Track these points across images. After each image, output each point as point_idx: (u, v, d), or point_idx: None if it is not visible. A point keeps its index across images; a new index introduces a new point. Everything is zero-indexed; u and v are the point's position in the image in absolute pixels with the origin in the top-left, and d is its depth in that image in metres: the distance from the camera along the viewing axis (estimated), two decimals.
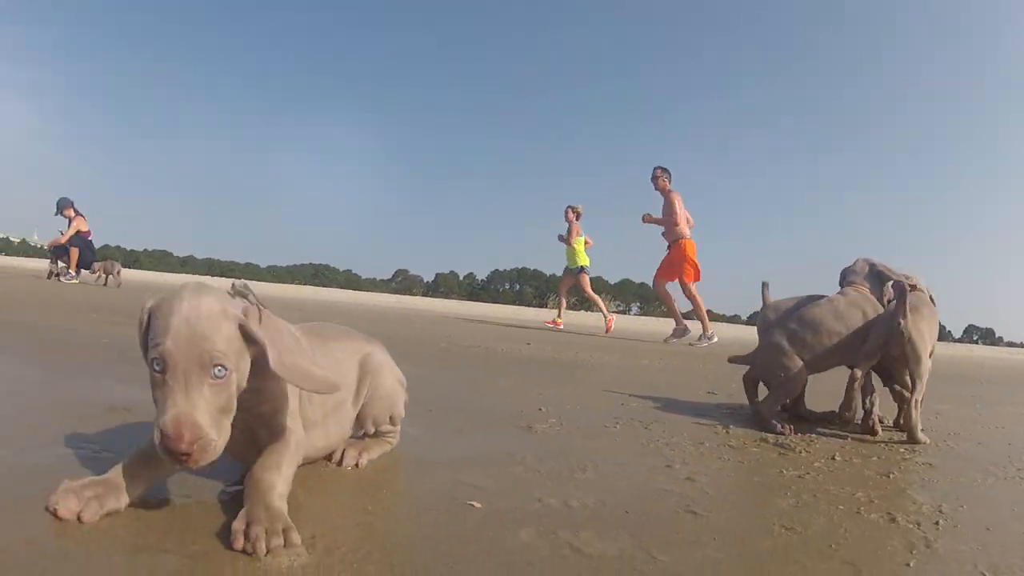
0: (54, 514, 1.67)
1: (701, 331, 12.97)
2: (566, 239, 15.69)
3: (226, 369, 1.68)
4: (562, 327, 15.55)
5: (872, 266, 4.42)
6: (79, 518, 1.68)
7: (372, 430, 2.68)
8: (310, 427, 2.22)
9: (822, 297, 4.36)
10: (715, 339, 12.89)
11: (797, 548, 2.06)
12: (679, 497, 2.50)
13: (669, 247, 13.02)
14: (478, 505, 2.15)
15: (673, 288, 13.12)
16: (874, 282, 4.38)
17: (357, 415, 2.59)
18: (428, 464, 2.67)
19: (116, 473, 1.81)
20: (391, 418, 2.72)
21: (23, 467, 2.10)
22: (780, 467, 3.16)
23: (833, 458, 3.42)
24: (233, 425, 1.83)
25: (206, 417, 1.64)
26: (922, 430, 3.95)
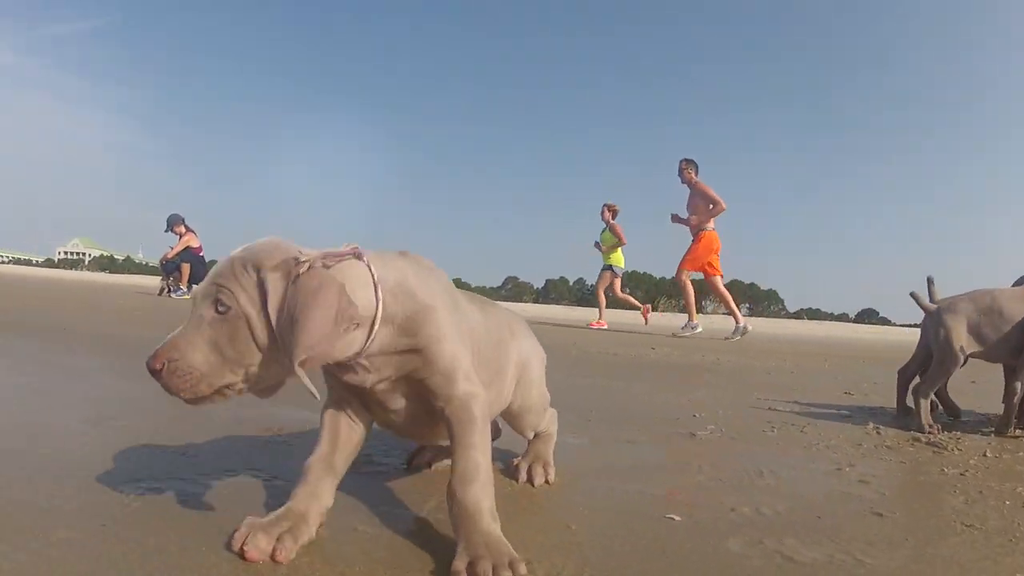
0: (241, 556, 1.61)
1: (688, 319, 13.44)
2: (618, 239, 15.65)
3: (226, 305, 1.59)
4: (606, 327, 15.47)
5: None
6: (273, 558, 1.61)
7: (534, 429, 2.60)
8: None
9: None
10: (699, 329, 13.26)
11: (981, 544, 2.08)
12: (859, 500, 2.52)
13: (695, 239, 13.03)
14: (678, 518, 2.17)
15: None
16: None
17: (510, 408, 2.45)
18: (609, 475, 2.68)
19: (300, 500, 1.78)
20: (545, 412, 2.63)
21: (192, 500, 2.04)
22: (940, 466, 3.15)
23: (985, 455, 3.41)
24: (406, 398, 1.88)
25: (192, 346, 1.59)
26: None
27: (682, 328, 13.24)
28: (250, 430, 3.12)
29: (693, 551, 1.90)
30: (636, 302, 16.24)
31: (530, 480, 2.49)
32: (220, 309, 1.60)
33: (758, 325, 25.41)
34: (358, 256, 1.74)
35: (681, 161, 13.11)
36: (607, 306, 16.71)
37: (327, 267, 1.64)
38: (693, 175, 13.02)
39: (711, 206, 12.84)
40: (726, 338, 12.86)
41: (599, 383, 5.72)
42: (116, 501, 1.98)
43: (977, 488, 2.75)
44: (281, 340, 1.57)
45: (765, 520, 2.20)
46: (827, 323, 47.00)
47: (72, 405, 3.46)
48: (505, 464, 2.64)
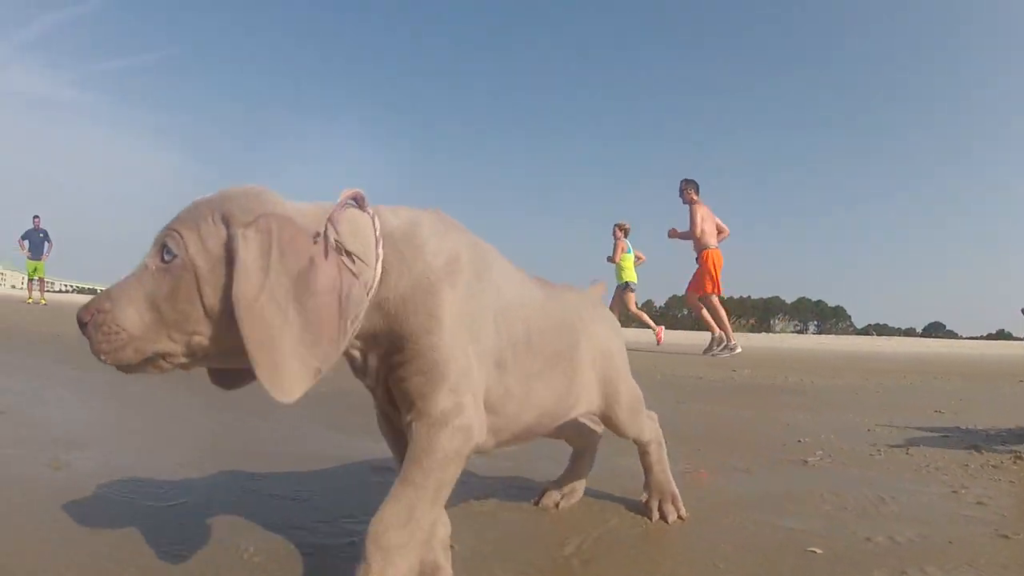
0: None
1: (723, 339, 13.14)
2: (612, 257, 15.73)
3: (173, 253, 1.31)
4: (662, 334, 15.46)
5: None
6: None
7: (635, 434, 2.39)
8: (505, 401, 1.71)
9: None
10: (738, 349, 13.03)
11: None
12: (983, 522, 2.52)
13: (697, 259, 13.09)
14: (819, 551, 2.17)
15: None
16: None
17: (602, 409, 2.22)
18: (738, 507, 2.67)
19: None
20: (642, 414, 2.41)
21: (316, 553, 1.91)
22: None
23: None
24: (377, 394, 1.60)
25: (128, 299, 1.32)
26: None
27: (720, 349, 13.11)
28: (355, 465, 3.10)
29: None
30: (650, 321, 16.17)
31: (663, 518, 2.41)
32: (166, 258, 1.32)
33: (827, 343, 25.23)
34: (360, 204, 1.49)
35: (682, 181, 13.23)
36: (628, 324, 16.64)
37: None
38: (693, 195, 13.13)
39: (690, 231, 13.08)
40: (712, 354, 12.89)
41: (694, 408, 5.74)
42: (234, 556, 1.87)
43: None
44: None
45: (901, 549, 2.22)
46: (895, 338, 46.41)
47: (164, 445, 3.44)
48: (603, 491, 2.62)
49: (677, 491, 2.49)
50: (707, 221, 13.00)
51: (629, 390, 2.29)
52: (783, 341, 19.32)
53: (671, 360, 11.59)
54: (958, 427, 4.81)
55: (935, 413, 5.59)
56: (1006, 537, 2.35)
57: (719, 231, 13.18)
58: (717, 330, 13.07)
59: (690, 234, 13.01)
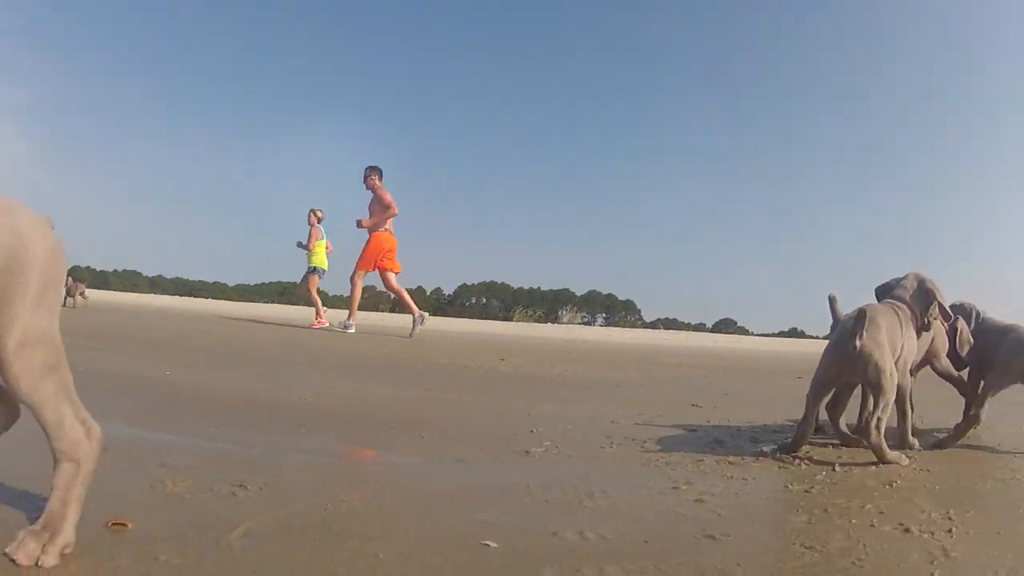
0: None
1: (346, 317, 13.57)
2: (305, 244, 15.90)
3: None
4: (327, 325, 15.53)
5: (922, 283, 4.09)
6: None
7: (38, 404, 1.73)
8: None
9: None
10: (352, 330, 13.33)
11: (822, 567, 2.01)
12: (694, 521, 2.42)
13: (368, 239, 13.54)
14: (494, 544, 2.03)
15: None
16: (920, 300, 4.06)
17: None
18: (433, 498, 2.56)
19: None
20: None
21: None
22: (784, 481, 3.10)
23: (833, 468, 3.36)
24: None
25: None
26: (910, 447, 3.86)
27: (341, 325, 13.53)
28: None
29: None
30: (320, 307, 16.22)
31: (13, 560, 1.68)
32: None
33: (614, 335, 25.80)
34: None
35: (366, 168, 13.65)
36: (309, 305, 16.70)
37: None
38: (376, 181, 13.52)
39: (386, 210, 13.39)
40: (410, 335, 13.09)
41: (445, 397, 5.58)
42: None
43: (822, 506, 2.70)
44: None
45: (588, 546, 2.08)
46: (684, 332, 48.02)
47: None
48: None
49: (69, 527, 1.75)
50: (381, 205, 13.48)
51: (39, 331, 1.72)
52: (568, 332, 19.54)
53: (450, 348, 11.49)
54: (711, 421, 4.79)
55: (692, 407, 5.57)
56: (712, 538, 2.23)
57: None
58: (416, 310, 13.36)
59: (389, 212, 13.33)
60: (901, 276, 4.19)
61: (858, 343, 3.57)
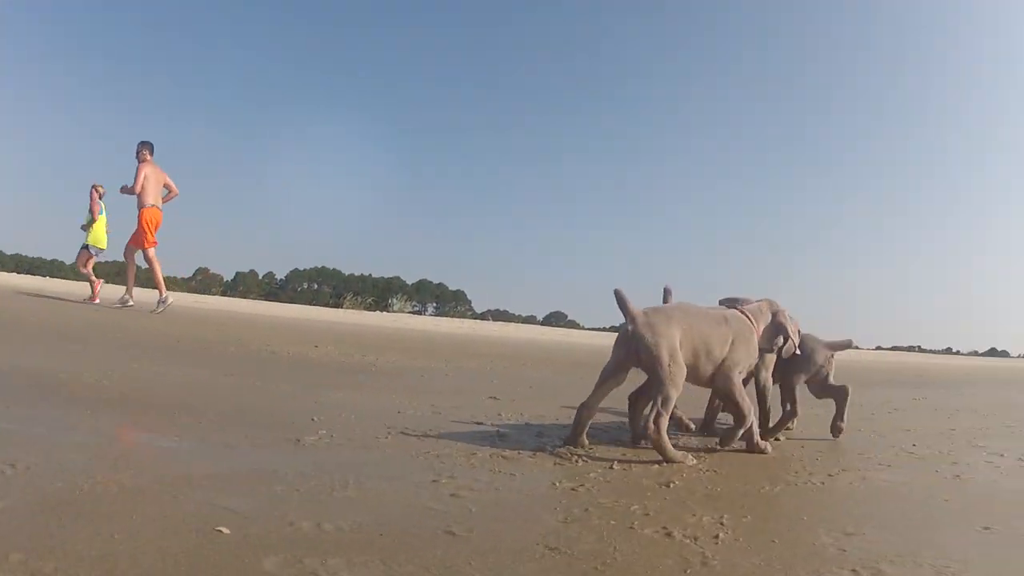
0: None
1: (158, 296, 13.49)
2: (90, 219, 15.44)
3: None
4: (98, 302, 15.35)
5: (775, 315, 4.36)
6: None
7: None
8: None
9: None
10: (169, 302, 13.36)
11: (560, 570, 2.00)
12: (441, 516, 2.40)
13: (139, 215, 13.45)
14: (227, 531, 2.03)
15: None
16: (770, 329, 4.32)
17: None
18: (187, 482, 2.52)
19: None
20: None
21: None
22: (554, 479, 3.07)
23: (611, 467, 3.36)
24: None
25: None
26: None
27: (156, 305, 13.25)
28: None
29: (226, 568, 1.79)
30: (93, 283, 15.97)
31: None
32: None
33: (441, 325, 25.80)
34: None
35: (139, 143, 13.44)
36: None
37: None
38: (147, 155, 13.37)
39: (133, 188, 13.28)
40: (152, 311, 12.88)
41: (241, 382, 5.48)
42: None
43: (584, 505, 2.67)
44: None
45: (321, 536, 2.09)
46: (512, 324, 48.33)
47: None
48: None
49: None
50: (150, 181, 13.24)
51: None
52: (395, 320, 19.45)
53: (262, 334, 11.29)
54: (500, 415, 4.81)
55: (489, 399, 5.61)
56: (452, 534, 2.23)
57: (169, 191, 13.53)
58: (163, 288, 13.34)
59: (132, 191, 13.14)
60: (755, 300, 4.38)
61: (630, 327, 3.66)
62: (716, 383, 4.00)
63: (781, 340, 4.26)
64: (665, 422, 3.53)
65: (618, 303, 3.84)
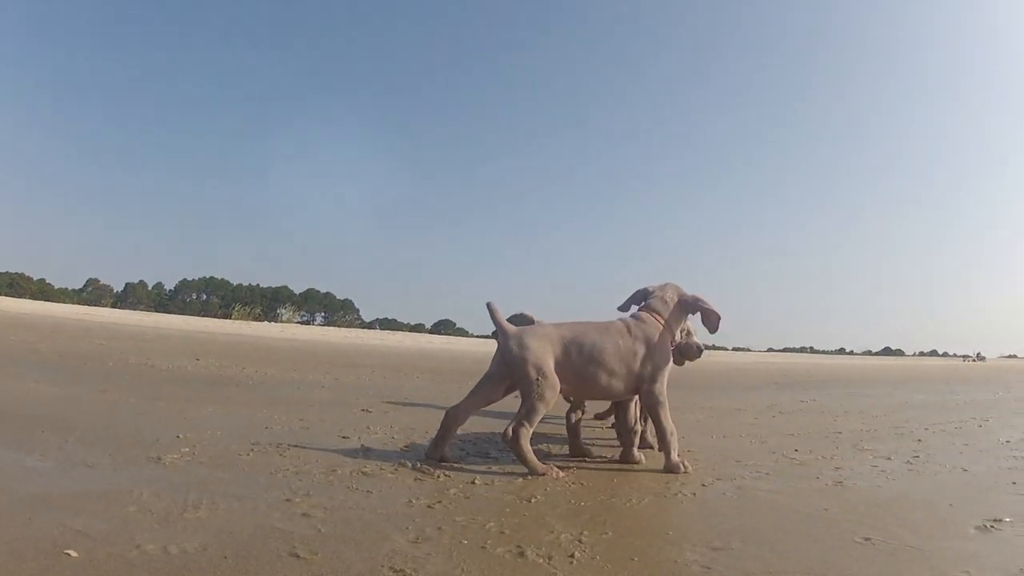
0: None
1: None
2: None
3: None
4: None
5: (682, 297, 4.17)
6: None
7: None
8: None
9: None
10: None
11: None
12: (288, 537, 2.35)
13: None
14: (75, 554, 2.01)
15: None
16: (679, 313, 4.17)
17: None
18: (42, 503, 2.48)
19: None
20: None
21: None
22: (411, 496, 2.99)
23: (473, 482, 3.30)
24: None
25: None
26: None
27: None
28: None
29: None
30: None
31: None
32: None
33: (328, 334, 25.61)
34: None
35: None
36: None
37: None
38: None
39: None
40: None
41: (114, 398, 5.38)
42: None
43: (438, 524, 2.61)
44: None
45: (166, 560, 2.06)
46: (400, 333, 48.09)
47: None
48: None
49: None
50: None
51: None
52: (283, 331, 19.25)
53: (146, 347, 11.08)
54: (369, 428, 4.79)
55: (362, 412, 5.60)
56: (296, 556, 2.19)
57: None
58: None
59: None
60: (658, 286, 4.19)
61: (508, 343, 3.71)
62: (640, 398, 3.96)
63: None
64: (526, 432, 3.54)
65: (491, 317, 3.92)
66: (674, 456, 3.86)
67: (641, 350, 3.87)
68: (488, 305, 3.93)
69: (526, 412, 3.58)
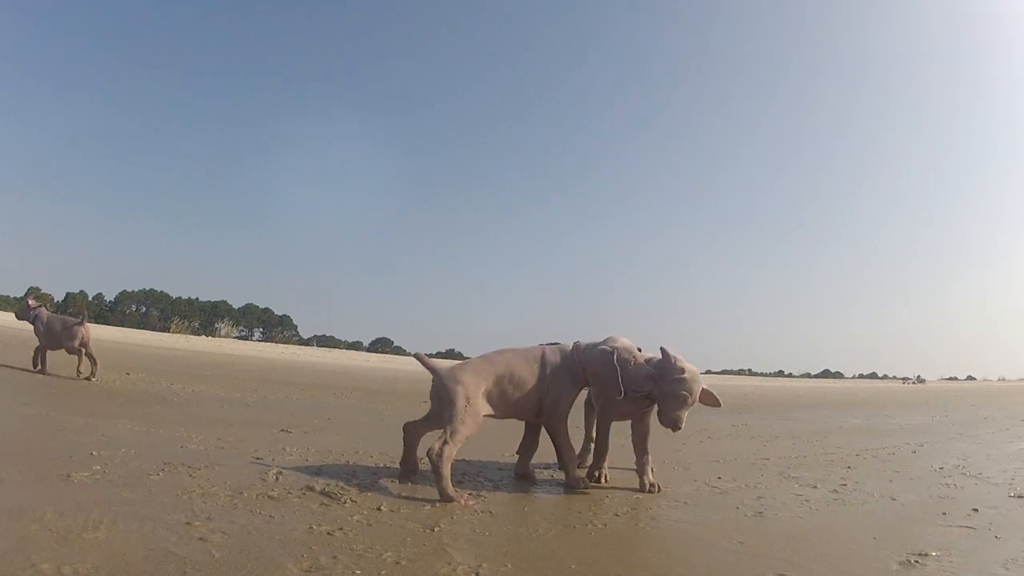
0: None
1: None
2: None
3: None
4: None
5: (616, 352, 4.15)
6: None
7: None
8: None
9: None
10: None
11: None
12: (180, 562, 2.29)
13: None
14: None
15: None
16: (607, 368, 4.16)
17: None
18: None
19: None
20: None
21: None
22: (313, 521, 2.90)
23: (379, 508, 3.20)
24: None
25: None
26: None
27: None
28: None
29: None
30: None
31: None
32: None
33: (265, 351, 25.28)
34: None
35: None
36: None
37: None
38: None
39: None
40: None
41: (35, 412, 5.28)
42: None
43: (334, 552, 2.54)
44: None
45: None
46: (337, 350, 47.57)
47: None
48: None
49: None
50: None
51: None
52: (219, 346, 18.94)
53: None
54: (285, 449, 4.69)
55: (281, 432, 5.46)
56: None
57: None
58: None
59: None
60: (601, 340, 4.21)
61: (435, 380, 3.87)
62: (542, 419, 4.09)
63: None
64: (451, 452, 3.54)
65: (422, 364, 4.08)
66: (575, 471, 4.06)
67: (543, 376, 4.04)
68: (416, 356, 4.26)
69: (451, 433, 3.64)
